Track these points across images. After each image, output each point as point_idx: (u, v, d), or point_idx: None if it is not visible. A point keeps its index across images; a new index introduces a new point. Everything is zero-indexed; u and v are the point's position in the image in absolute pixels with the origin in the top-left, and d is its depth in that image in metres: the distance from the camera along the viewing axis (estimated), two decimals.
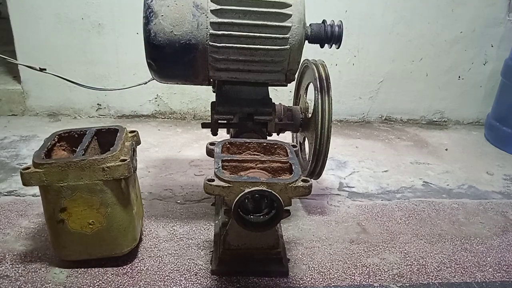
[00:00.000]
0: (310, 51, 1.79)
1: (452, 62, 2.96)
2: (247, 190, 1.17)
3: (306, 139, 1.78)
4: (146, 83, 1.90)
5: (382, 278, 1.47)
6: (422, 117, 3.14)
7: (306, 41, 1.47)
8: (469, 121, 3.18)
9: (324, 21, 1.50)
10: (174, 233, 1.66)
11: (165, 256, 1.52)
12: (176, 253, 1.54)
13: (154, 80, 1.54)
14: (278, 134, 1.77)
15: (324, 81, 1.56)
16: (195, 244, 1.59)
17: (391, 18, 2.79)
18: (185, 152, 2.42)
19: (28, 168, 1.26)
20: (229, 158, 1.31)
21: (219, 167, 1.24)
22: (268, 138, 1.66)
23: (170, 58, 1.38)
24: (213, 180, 1.19)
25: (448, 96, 3.07)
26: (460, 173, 2.36)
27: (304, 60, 1.73)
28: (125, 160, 1.31)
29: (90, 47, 2.69)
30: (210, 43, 1.36)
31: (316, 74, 1.58)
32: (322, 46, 1.53)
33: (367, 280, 1.46)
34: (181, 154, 2.40)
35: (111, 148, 1.34)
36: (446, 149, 2.69)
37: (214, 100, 1.64)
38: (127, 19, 2.61)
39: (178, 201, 1.89)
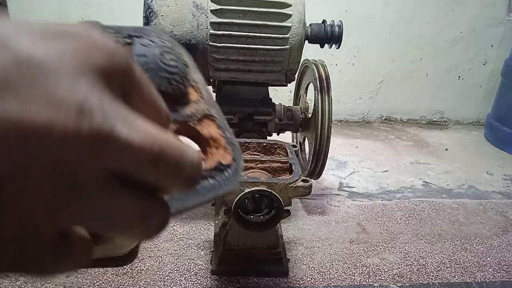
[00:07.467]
0: (310, 51, 1.79)
1: (452, 62, 2.95)
2: (247, 190, 1.17)
3: (306, 139, 1.78)
4: None
5: (382, 278, 1.47)
6: (422, 117, 3.14)
7: (306, 41, 1.47)
8: (469, 121, 3.18)
9: (324, 21, 1.50)
10: (174, 233, 1.66)
11: (165, 256, 1.52)
12: (176, 253, 1.54)
13: None
14: (278, 134, 1.77)
15: (324, 81, 1.56)
16: (195, 244, 1.59)
17: (391, 18, 2.79)
18: None
19: None
20: None
21: None
22: (268, 138, 1.66)
23: None
24: None
25: (448, 96, 3.07)
26: (460, 173, 2.36)
27: (304, 60, 1.73)
28: None
29: None
30: (210, 43, 1.36)
31: (316, 74, 1.58)
32: (322, 46, 1.53)
33: (367, 280, 1.46)
34: None
35: None
36: (446, 149, 2.69)
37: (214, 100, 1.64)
38: (127, 19, 2.61)
39: None
